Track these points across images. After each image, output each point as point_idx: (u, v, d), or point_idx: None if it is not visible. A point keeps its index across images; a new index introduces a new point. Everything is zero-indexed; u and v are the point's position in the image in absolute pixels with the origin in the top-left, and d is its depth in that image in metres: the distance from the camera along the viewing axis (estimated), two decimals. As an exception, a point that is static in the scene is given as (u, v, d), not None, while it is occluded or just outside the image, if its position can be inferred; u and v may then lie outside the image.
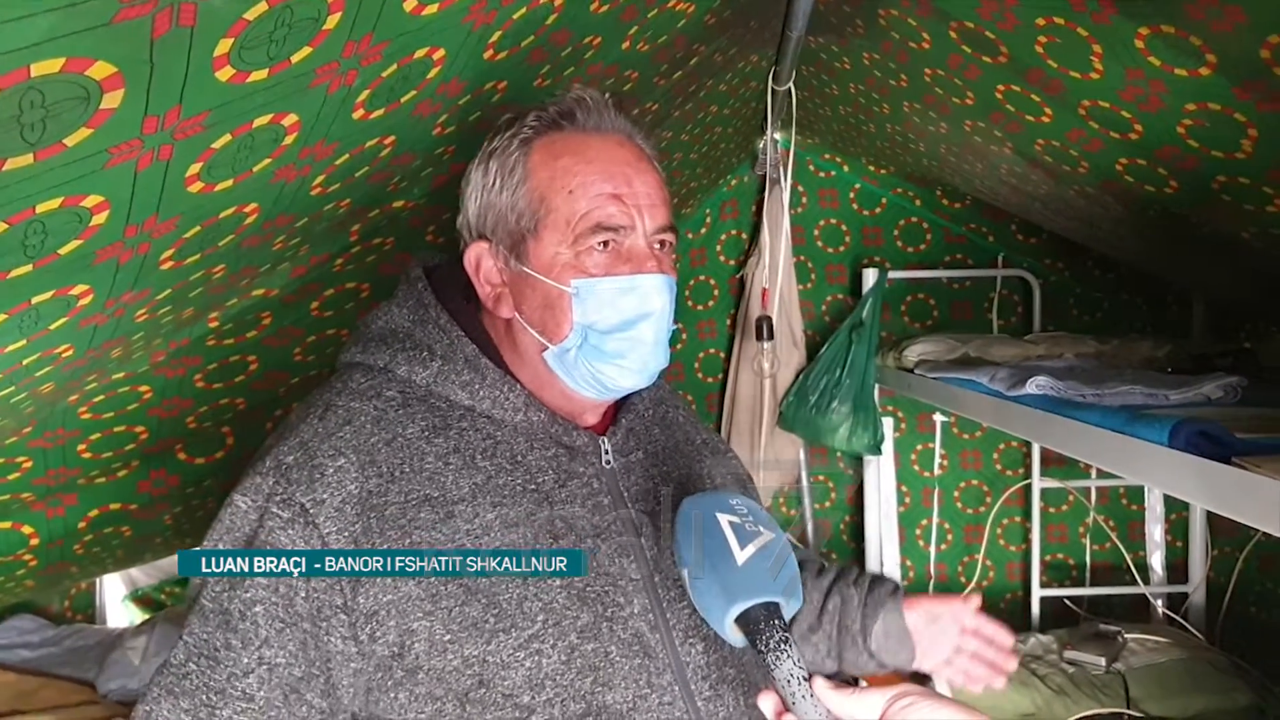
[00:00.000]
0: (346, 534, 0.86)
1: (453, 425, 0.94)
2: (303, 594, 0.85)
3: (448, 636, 0.86)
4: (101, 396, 1.21)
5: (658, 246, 0.96)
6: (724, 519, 0.85)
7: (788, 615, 0.82)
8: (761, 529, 0.85)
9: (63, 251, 0.69)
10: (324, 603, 0.86)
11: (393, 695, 0.88)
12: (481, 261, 0.97)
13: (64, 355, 0.90)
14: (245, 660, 0.85)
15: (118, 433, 1.34)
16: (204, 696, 0.85)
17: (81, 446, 1.31)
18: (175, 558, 2.75)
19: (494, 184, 0.95)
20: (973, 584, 2.94)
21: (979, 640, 1.20)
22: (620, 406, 1.05)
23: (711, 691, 0.94)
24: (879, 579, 1.24)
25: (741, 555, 0.82)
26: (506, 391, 0.95)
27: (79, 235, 0.68)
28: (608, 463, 0.99)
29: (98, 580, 2.88)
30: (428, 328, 0.97)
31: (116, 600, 2.96)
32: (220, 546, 0.88)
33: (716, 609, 0.82)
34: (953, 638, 1.19)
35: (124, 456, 1.43)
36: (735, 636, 0.82)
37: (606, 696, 0.90)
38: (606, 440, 1.00)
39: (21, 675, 2.49)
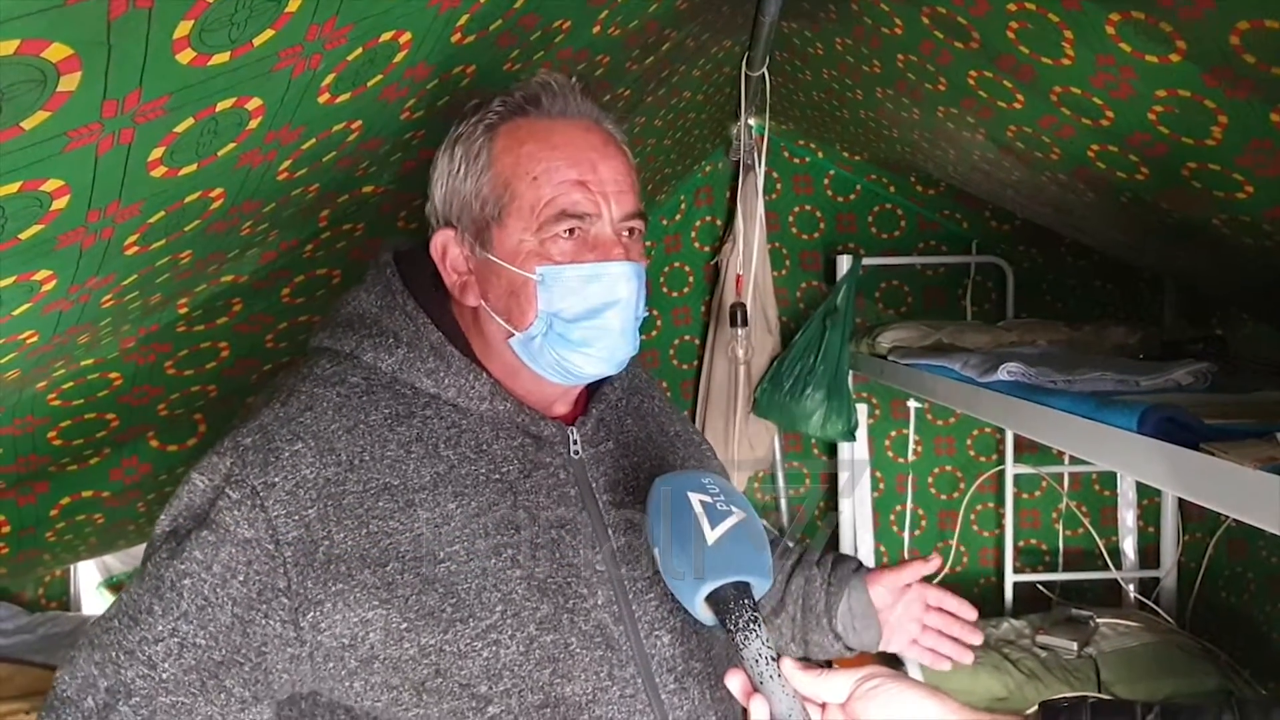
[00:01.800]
0: (297, 518, 0.86)
1: (417, 413, 0.93)
2: (241, 577, 0.85)
3: (404, 625, 0.86)
4: (70, 383, 1.20)
5: (626, 234, 0.95)
6: (696, 498, 0.85)
7: (758, 595, 0.82)
8: (733, 509, 0.85)
9: (23, 236, 0.68)
10: (265, 585, 0.85)
11: (347, 684, 0.87)
12: (448, 249, 0.96)
13: (29, 341, 0.89)
14: (159, 628, 0.84)
15: (88, 420, 1.33)
16: (114, 654, 0.85)
17: (51, 434, 1.30)
18: (149, 546, 2.75)
19: (459, 170, 0.94)
20: (946, 569, 2.97)
21: (942, 617, 1.21)
22: (591, 396, 1.05)
23: (676, 684, 0.95)
24: (842, 558, 1.24)
25: (713, 535, 0.83)
26: (472, 380, 0.95)
27: (39, 220, 0.67)
28: (576, 453, 0.99)
29: (72, 567, 2.86)
30: (394, 314, 0.96)
31: (91, 587, 2.94)
32: (175, 519, 0.89)
33: (687, 588, 0.82)
34: (917, 614, 1.20)
35: (95, 444, 1.42)
36: (705, 615, 0.82)
37: (565, 688, 0.90)
38: (575, 430, 1.00)
39: (-6, 664, 2.47)
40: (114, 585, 2.96)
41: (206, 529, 0.86)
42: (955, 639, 1.22)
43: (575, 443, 0.99)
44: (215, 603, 0.85)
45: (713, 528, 0.83)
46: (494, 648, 0.88)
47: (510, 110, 0.94)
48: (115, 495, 1.59)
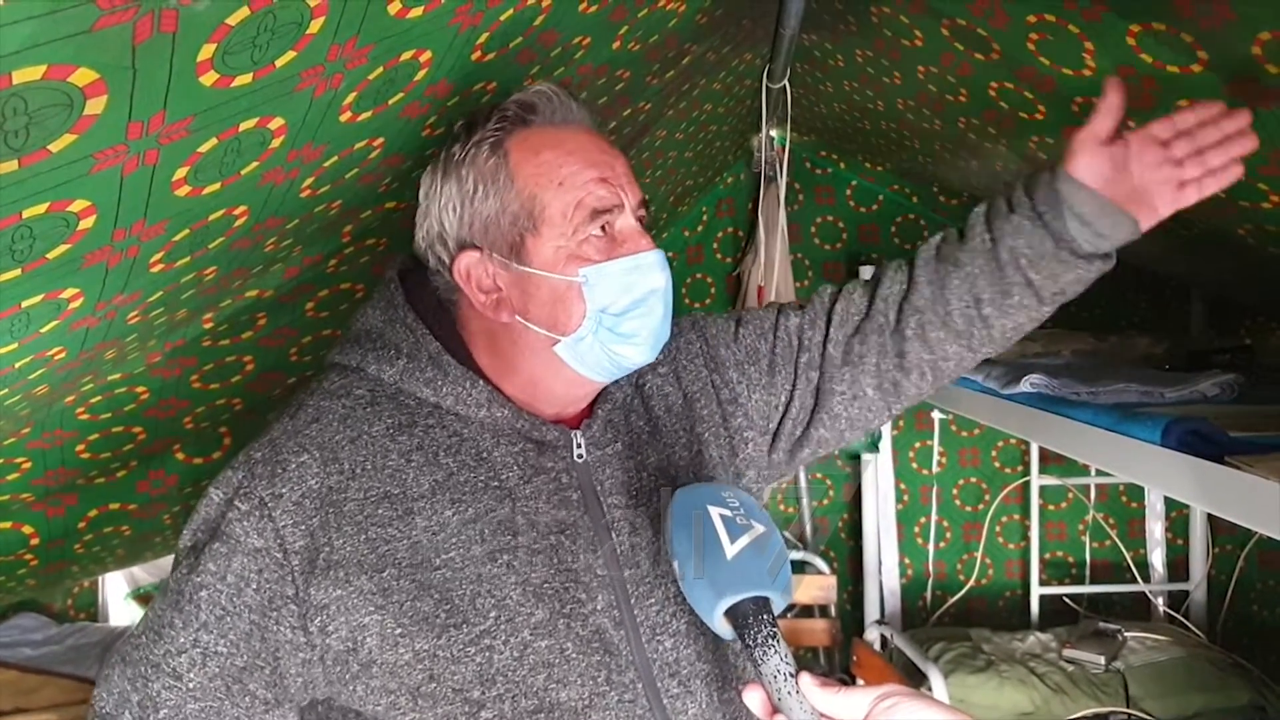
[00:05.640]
0: (303, 527, 0.88)
1: (419, 423, 0.95)
2: (254, 585, 0.88)
3: (399, 631, 0.88)
4: (98, 398, 1.21)
5: (639, 223, 0.98)
6: (715, 511, 0.85)
7: (778, 609, 0.82)
8: (754, 522, 0.85)
9: (51, 255, 0.69)
10: (275, 593, 0.88)
11: (351, 688, 0.89)
12: (472, 271, 0.96)
13: (57, 358, 0.90)
14: (181, 640, 0.87)
15: (115, 433, 1.35)
16: (143, 668, 0.89)
17: (80, 447, 1.32)
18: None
19: (474, 191, 0.94)
20: (971, 582, 2.95)
21: (1191, 139, 0.99)
22: (598, 397, 1.04)
23: (680, 688, 0.94)
24: (1026, 181, 1.04)
25: (732, 549, 0.82)
26: (469, 387, 0.95)
27: (67, 239, 0.69)
28: (580, 456, 0.99)
29: (100, 579, 2.89)
30: (396, 327, 0.98)
31: (119, 598, 2.97)
32: (194, 534, 0.92)
33: (706, 601, 0.82)
34: (1160, 158, 0.99)
35: (122, 457, 1.44)
36: (724, 629, 0.82)
37: (560, 693, 0.90)
38: (580, 434, 0.99)
39: (23, 673, 2.50)
40: (141, 596, 2.99)
41: (219, 541, 0.89)
42: (1223, 143, 0.99)
43: (579, 446, 0.99)
44: (233, 611, 0.88)
45: (732, 542, 0.83)
46: (487, 653, 0.89)
47: (511, 122, 0.95)
48: (142, 507, 1.61)
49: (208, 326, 1.21)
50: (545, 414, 0.99)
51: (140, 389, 1.26)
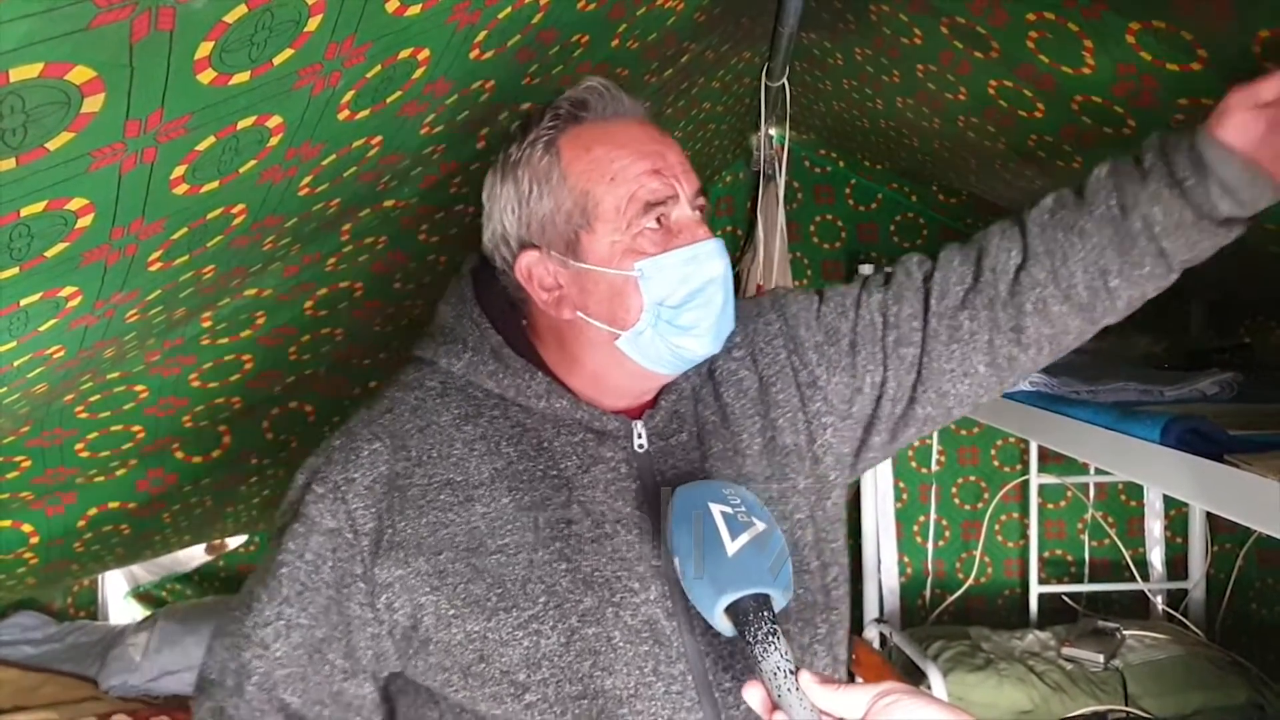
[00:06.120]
0: (373, 510, 0.95)
1: (484, 414, 0.99)
2: (329, 563, 0.95)
3: (452, 611, 0.92)
4: (97, 396, 1.21)
5: (699, 214, 0.98)
6: (716, 509, 0.86)
7: (779, 607, 0.82)
8: (755, 520, 0.85)
9: (49, 254, 0.69)
10: (346, 570, 0.94)
11: (414, 663, 0.95)
12: (533, 270, 0.98)
13: (55, 356, 0.90)
14: (267, 613, 0.95)
15: (115, 432, 1.35)
16: (236, 639, 0.97)
17: (79, 446, 1.32)
18: (176, 555, 2.77)
19: (530, 191, 0.97)
20: (970, 580, 2.94)
21: None
22: (665, 388, 1.04)
23: (733, 682, 0.94)
24: (1161, 142, 0.96)
25: (733, 546, 0.83)
26: (529, 379, 0.98)
27: (65, 238, 0.69)
28: (640, 446, 0.99)
29: (100, 577, 2.89)
30: (463, 321, 1.02)
31: (119, 597, 2.97)
32: (281, 516, 1.00)
33: (706, 599, 0.83)
34: None
35: (121, 455, 1.44)
36: (725, 625, 0.82)
37: (606, 681, 0.92)
38: (641, 424, 1.00)
39: (24, 672, 2.50)
40: (141, 595, 2.99)
41: (298, 521, 0.96)
42: None
43: (639, 436, 1.00)
44: (311, 587, 0.95)
45: (733, 539, 0.83)
46: (535, 637, 0.92)
47: (565, 121, 0.97)
48: (141, 506, 1.61)
49: (206, 325, 1.21)
50: (613, 407, 1.01)
51: (139, 387, 1.26)
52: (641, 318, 0.95)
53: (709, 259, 0.96)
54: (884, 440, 1.10)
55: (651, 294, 0.95)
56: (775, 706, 0.79)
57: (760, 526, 0.85)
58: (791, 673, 0.78)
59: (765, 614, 0.81)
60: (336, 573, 0.94)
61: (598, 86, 0.97)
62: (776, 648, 0.79)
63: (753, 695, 0.81)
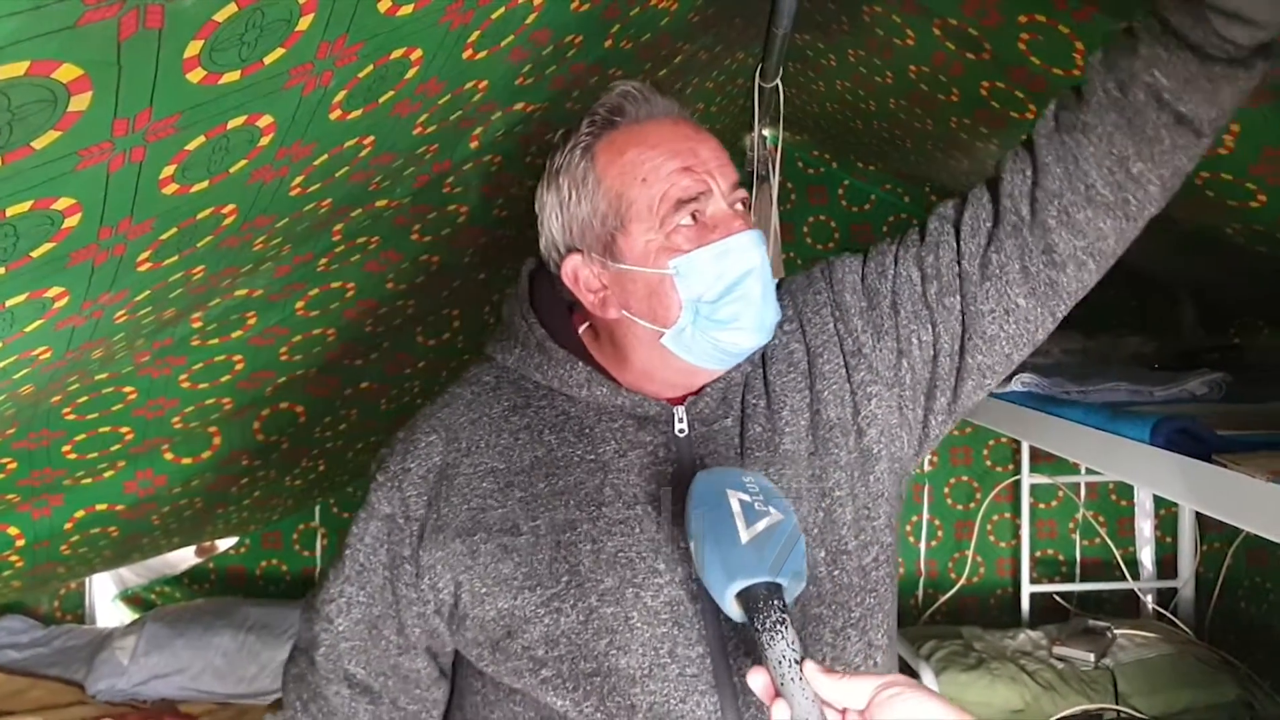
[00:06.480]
0: (425, 498, 1.01)
1: (532, 404, 1.04)
2: (385, 546, 1.02)
3: (484, 589, 0.97)
4: (85, 398, 1.21)
5: (738, 206, 0.99)
6: (734, 495, 0.86)
7: (790, 596, 0.83)
8: (771, 509, 0.86)
9: (35, 254, 0.68)
10: (397, 553, 1.01)
11: (456, 638, 1.02)
12: (578, 273, 1.02)
13: (42, 357, 0.89)
14: (332, 590, 1.04)
15: (102, 433, 1.34)
16: (310, 613, 1.07)
17: (66, 448, 1.31)
18: (165, 557, 2.76)
19: (570, 197, 1.01)
20: (962, 580, 2.95)
21: None
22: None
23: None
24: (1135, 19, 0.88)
25: (746, 534, 0.83)
26: (570, 369, 1.02)
27: (51, 238, 0.68)
28: (681, 431, 1.01)
29: (87, 580, 2.88)
30: (516, 318, 1.07)
31: (106, 600, 2.95)
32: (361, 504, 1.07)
33: (718, 584, 0.83)
34: None
35: (109, 457, 1.43)
36: (735, 611, 0.83)
37: (620, 660, 0.94)
38: (683, 409, 1.01)
39: (10, 676, 2.49)
40: (129, 598, 2.98)
41: (363, 508, 1.04)
42: None
43: (680, 421, 1.01)
44: (370, 567, 1.03)
45: (747, 527, 0.84)
46: (555, 615, 0.95)
47: (600, 127, 1.00)
48: (130, 508, 1.60)
49: (196, 325, 1.20)
50: (664, 397, 1.03)
51: (128, 389, 1.26)
52: (681, 315, 0.97)
53: (743, 252, 0.96)
54: (948, 401, 1.05)
55: (688, 291, 0.96)
56: (778, 694, 0.79)
57: (776, 516, 0.85)
58: (796, 662, 0.78)
59: (775, 602, 0.81)
60: (390, 555, 1.01)
61: (632, 90, 1.00)
62: (783, 636, 0.79)
63: (756, 680, 0.81)
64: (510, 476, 1.00)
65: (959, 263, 1.01)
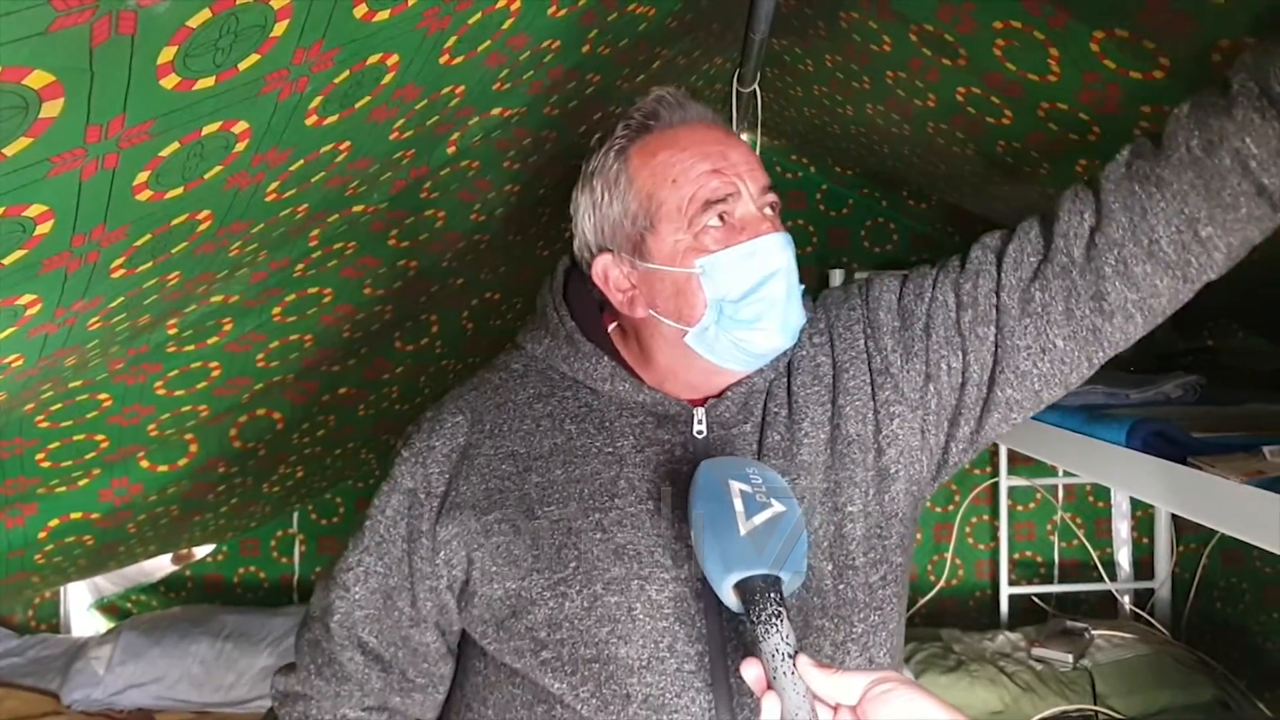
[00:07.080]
0: (446, 475, 1.04)
1: (557, 393, 1.06)
2: (405, 519, 1.05)
3: (493, 568, 1.00)
4: (59, 405, 1.19)
5: (768, 210, 1.00)
6: (736, 486, 0.86)
7: (789, 590, 0.83)
8: (773, 501, 0.86)
9: (6, 261, 0.68)
10: (415, 527, 1.04)
11: (464, 615, 1.04)
12: (608, 272, 1.04)
13: (14, 365, 0.88)
14: (350, 559, 1.07)
15: (77, 441, 1.32)
16: (328, 581, 1.10)
17: (40, 455, 1.29)
18: (141, 565, 2.73)
19: (602, 198, 1.02)
20: (941, 582, 2.96)
21: None
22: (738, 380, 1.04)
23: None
24: (1231, 74, 0.86)
25: (746, 525, 0.83)
26: (595, 363, 1.04)
27: (23, 245, 0.67)
28: (699, 432, 1.02)
29: (62, 589, 2.85)
30: (547, 310, 1.09)
31: (82, 609, 2.92)
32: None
33: (716, 574, 0.83)
34: None
35: (84, 465, 1.41)
36: (733, 601, 0.83)
37: (620, 649, 0.96)
38: (703, 410, 1.02)
39: (-16, 686, 2.45)
40: (105, 606, 2.95)
41: (386, 481, 1.08)
42: None
43: (699, 422, 1.02)
44: (388, 539, 1.06)
45: (748, 518, 0.84)
46: (560, 599, 0.97)
47: (635, 131, 1.02)
48: (105, 516, 1.58)
49: (172, 332, 1.19)
50: (686, 398, 1.04)
51: (102, 396, 1.25)
52: (705, 314, 0.98)
53: (769, 254, 0.97)
54: (971, 430, 1.04)
55: (713, 290, 0.97)
56: (770, 686, 0.79)
57: (778, 508, 0.85)
58: (790, 656, 0.78)
59: (773, 595, 0.81)
60: (409, 528, 1.04)
61: (666, 96, 1.02)
62: (778, 629, 0.79)
63: (750, 672, 0.81)
64: (529, 461, 1.02)
65: (998, 294, 0.99)
